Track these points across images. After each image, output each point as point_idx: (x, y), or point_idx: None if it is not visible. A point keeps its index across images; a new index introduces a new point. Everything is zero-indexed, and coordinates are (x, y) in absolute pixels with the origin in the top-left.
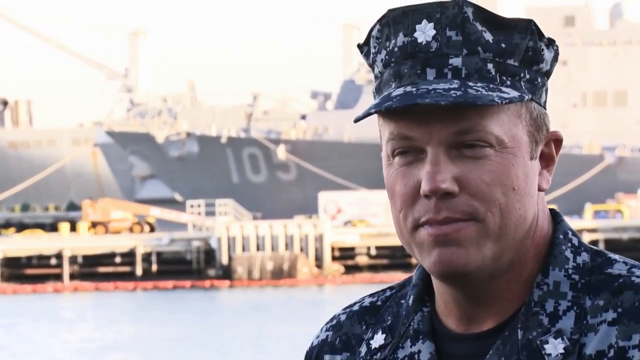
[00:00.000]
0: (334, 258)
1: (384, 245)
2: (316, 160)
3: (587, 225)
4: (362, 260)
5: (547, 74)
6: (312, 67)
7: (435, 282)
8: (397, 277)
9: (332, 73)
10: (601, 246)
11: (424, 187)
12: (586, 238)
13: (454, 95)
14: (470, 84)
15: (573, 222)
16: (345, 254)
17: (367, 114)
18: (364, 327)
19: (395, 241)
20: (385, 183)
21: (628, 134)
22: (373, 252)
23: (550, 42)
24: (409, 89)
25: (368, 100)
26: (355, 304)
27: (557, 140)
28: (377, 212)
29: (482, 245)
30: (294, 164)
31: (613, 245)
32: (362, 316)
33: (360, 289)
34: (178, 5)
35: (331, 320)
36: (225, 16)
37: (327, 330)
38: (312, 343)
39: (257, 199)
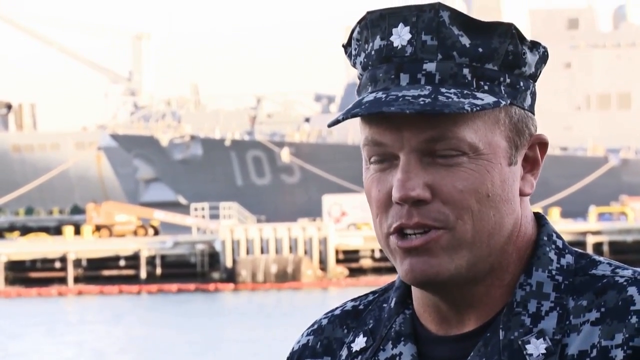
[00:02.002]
0: (338, 261)
1: None
2: (320, 163)
3: (591, 227)
4: (366, 263)
5: (532, 77)
6: (316, 69)
7: (413, 287)
8: None
9: (335, 76)
10: (605, 249)
11: (394, 195)
12: (590, 241)
13: (422, 102)
14: (443, 90)
15: (577, 225)
16: (349, 257)
17: (337, 121)
18: (345, 330)
19: None
20: (364, 187)
21: (632, 136)
22: (377, 254)
23: (534, 45)
24: (379, 95)
25: None
26: (337, 308)
27: (542, 144)
28: None
29: (454, 254)
30: (298, 166)
31: (617, 247)
32: (344, 320)
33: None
34: (181, 8)
35: (312, 325)
36: (228, 19)
37: (308, 334)
38: (293, 348)
39: (261, 202)
